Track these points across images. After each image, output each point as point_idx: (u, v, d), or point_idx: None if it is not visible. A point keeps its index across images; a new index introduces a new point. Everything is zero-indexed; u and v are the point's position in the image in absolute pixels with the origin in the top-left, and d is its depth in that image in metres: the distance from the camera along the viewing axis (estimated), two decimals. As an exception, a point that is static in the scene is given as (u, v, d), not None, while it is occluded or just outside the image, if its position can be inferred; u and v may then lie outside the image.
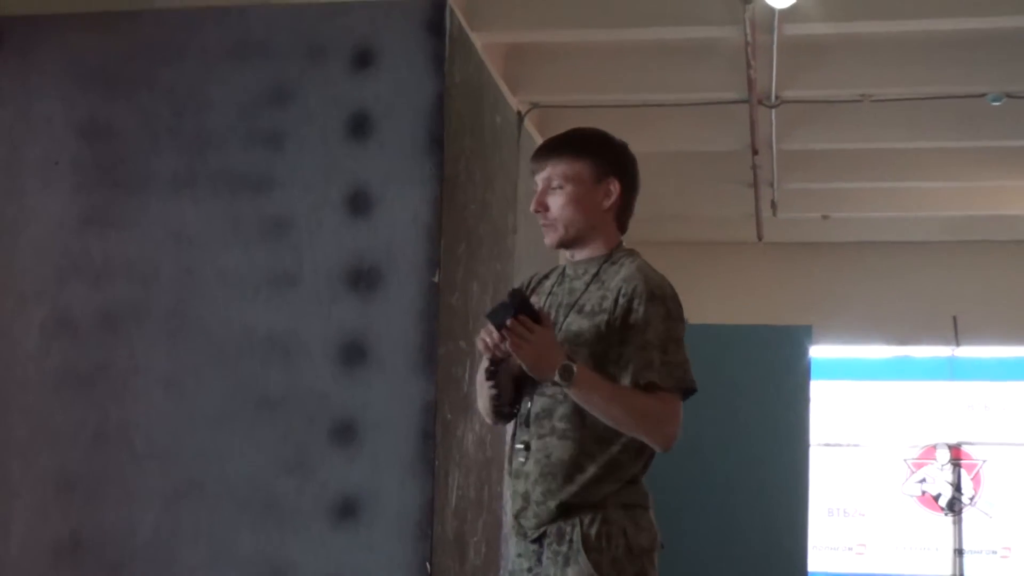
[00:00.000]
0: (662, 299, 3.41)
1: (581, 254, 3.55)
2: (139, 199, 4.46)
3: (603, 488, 3.36)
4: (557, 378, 3.28)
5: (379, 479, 4.21)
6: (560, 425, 3.40)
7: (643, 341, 3.35)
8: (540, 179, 3.53)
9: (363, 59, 4.36)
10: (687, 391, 3.42)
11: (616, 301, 3.39)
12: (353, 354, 4.25)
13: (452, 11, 4.40)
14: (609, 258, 3.52)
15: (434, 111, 4.29)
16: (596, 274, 3.50)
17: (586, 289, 3.49)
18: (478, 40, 7.61)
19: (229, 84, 4.45)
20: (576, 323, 3.44)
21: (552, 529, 3.38)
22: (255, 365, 4.32)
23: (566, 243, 3.54)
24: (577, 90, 10.40)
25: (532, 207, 3.53)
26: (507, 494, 3.56)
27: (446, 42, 4.32)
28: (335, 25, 4.43)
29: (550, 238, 3.54)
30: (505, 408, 3.57)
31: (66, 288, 4.47)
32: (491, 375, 3.48)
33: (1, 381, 4.48)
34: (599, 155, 3.54)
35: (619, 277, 3.44)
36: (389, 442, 4.21)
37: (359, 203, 4.31)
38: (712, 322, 10.76)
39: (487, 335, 3.39)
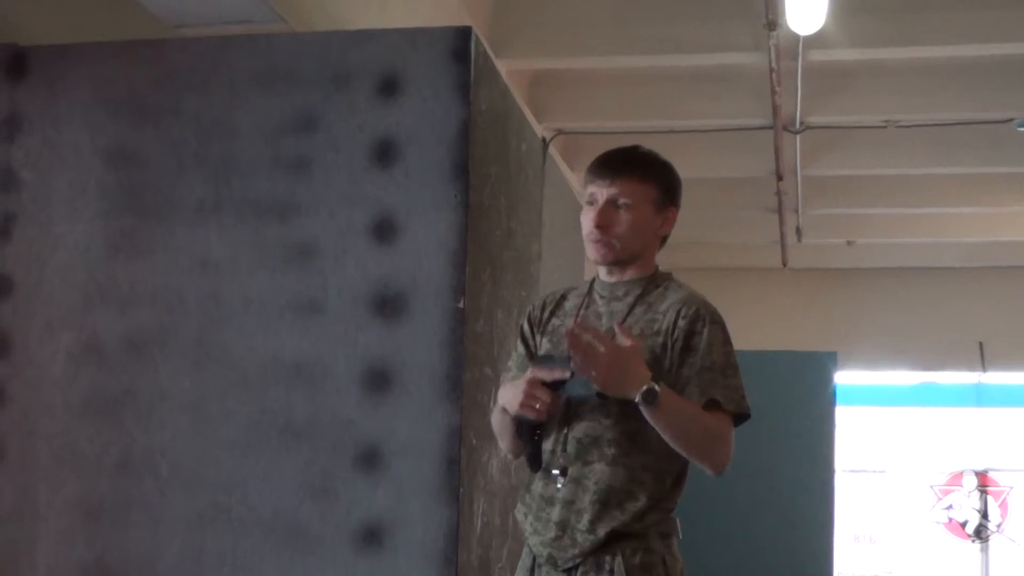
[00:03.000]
0: (721, 325, 3.39)
1: (621, 275, 3.48)
2: (165, 226, 4.48)
3: (649, 517, 3.30)
4: (638, 398, 3.17)
5: (404, 505, 4.20)
6: (609, 451, 3.30)
7: (709, 362, 3.31)
8: (603, 193, 3.43)
9: (389, 86, 4.38)
10: (743, 416, 3.36)
11: (675, 323, 3.33)
12: (378, 380, 4.25)
13: (477, 38, 4.41)
14: (652, 280, 3.47)
15: (459, 138, 4.30)
16: (640, 295, 3.43)
17: (630, 311, 3.40)
18: (503, 67, 7.64)
19: (255, 111, 4.47)
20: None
21: (589, 560, 3.28)
22: (280, 391, 4.33)
23: (615, 264, 3.45)
24: (601, 117, 10.43)
25: (593, 221, 3.42)
26: (528, 522, 3.44)
27: (471, 69, 4.33)
28: (361, 52, 4.44)
29: (601, 255, 3.44)
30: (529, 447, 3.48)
31: (92, 314, 4.49)
32: (531, 433, 3.39)
33: (28, 406, 4.50)
34: (665, 181, 3.53)
35: (672, 299, 3.40)
36: (414, 468, 4.20)
37: (384, 230, 4.32)
38: (737, 348, 10.75)
39: (539, 396, 3.30)
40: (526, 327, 3.60)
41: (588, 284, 3.56)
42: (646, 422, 3.24)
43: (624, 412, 3.27)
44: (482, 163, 4.44)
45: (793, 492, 9.12)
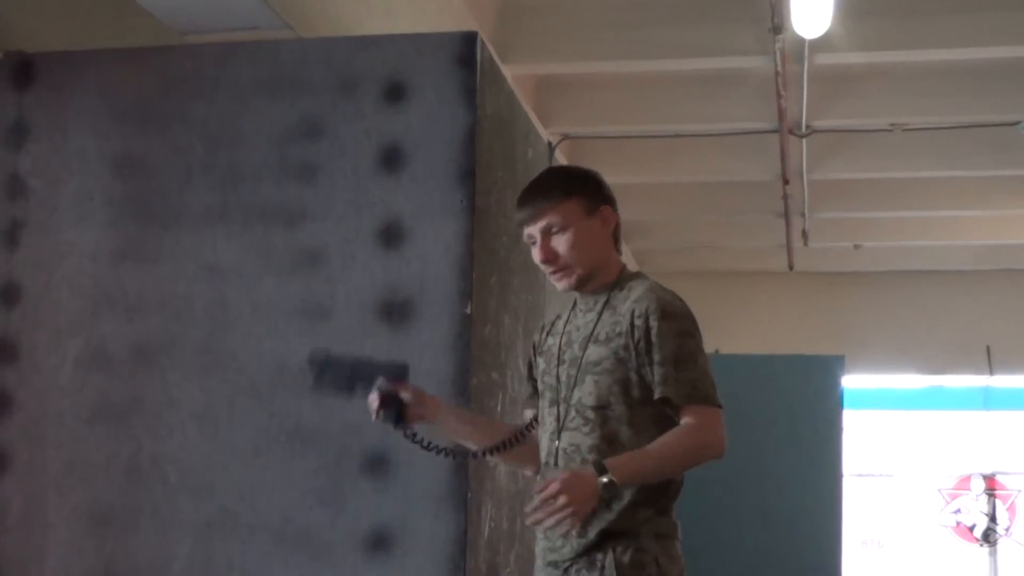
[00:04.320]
0: (674, 316, 3.38)
1: (591, 287, 3.52)
2: (172, 233, 4.49)
3: (639, 515, 3.32)
4: (605, 495, 3.21)
5: (412, 511, 4.21)
6: (591, 457, 3.34)
7: (660, 358, 3.33)
8: (536, 230, 3.47)
9: (395, 92, 4.38)
10: (713, 404, 3.37)
11: (632, 324, 3.37)
12: (386, 386, 4.25)
13: (483, 43, 4.42)
14: (616, 283, 3.51)
15: (466, 143, 4.31)
16: (607, 301, 3.48)
17: (599, 319, 3.47)
18: (509, 72, 7.64)
19: (262, 118, 4.48)
20: (595, 352, 3.42)
21: (583, 559, 3.34)
22: (288, 398, 4.33)
23: (583, 282, 3.50)
24: (607, 121, 10.43)
25: (539, 258, 3.48)
26: (538, 529, 3.49)
27: (477, 75, 4.34)
28: (367, 58, 4.45)
29: (567, 282, 3.50)
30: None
31: (100, 321, 4.49)
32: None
33: (36, 414, 4.51)
34: (584, 188, 3.52)
35: (630, 300, 3.43)
36: (422, 474, 4.20)
37: (391, 235, 4.33)
38: (744, 352, 10.76)
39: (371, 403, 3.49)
40: (531, 352, 3.71)
41: (573, 300, 3.61)
42: (621, 424, 3.36)
43: (600, 418, 3.38)
44: (488, 168, 4.44)
45: (801, 496, 9.12)
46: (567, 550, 3.37)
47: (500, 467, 4.56)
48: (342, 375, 3.48)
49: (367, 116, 4.40)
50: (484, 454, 3.63)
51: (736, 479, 8.58)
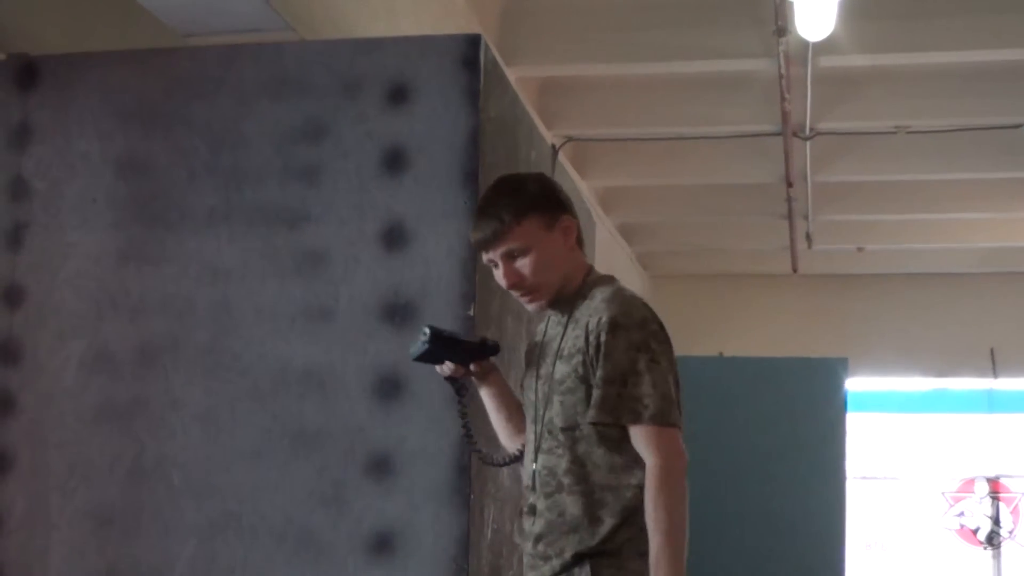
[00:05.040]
0: (625, 328, 3.22)
1: (559, 299, 3.41)
2: (175, 234, 4.49)
3: (621, 535, 3.19)
4: None
5: (414, 513, 4.21)
6: (566, 480, 3.25)
7: (603, 376, 3.20)
8: (497, 256, 3.35)
9: (398, 94, 4.38)
10: (661, 423, 3.19)
11: (587, 339, 3.24)
12: (388, 388, 4.26)
13: (487, 46, 4.42)
14: (580, 292, 3.37)
15: (469, 145, 4.31)
16: (571, 315, 3.35)
17: (564, 332, 3.35)
18: (512, 74, 7.65)
19: (265, 120, 4.48)
20: (560, 370, 3.30)
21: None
22: (291, 399, 4.33)
23: (554, 301, 3.38)
24: (611, 124, 10.44)
25: (506, 284, 3.36)
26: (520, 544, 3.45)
27: (480, 77, 4.34)
28: (370, 61, 4.45)
29: (537, 304, 3.39)
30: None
31: (103, 323, 4.49)
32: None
33: (39, 415, 4.51)
34: (537, 204, 3.36)
35: (588, 311, 3.30)
36: (424, 476, 4.20)
37: (394, 237, 4.33)
38: (747, 354, 10.76)
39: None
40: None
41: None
42: (592, 445, 3.23)
43: (569, 440, 3.26)
44: (492, 170, 4.43)
45: (804, 498, 9.12)
46: (545, 568, 3.27)
47: (503, 469, 4.55)
48: (444, 349, 3.46)
49: (370, 118, 4.40)
50: (496, 463, 3.62)
51: (739, 482, 8.60)
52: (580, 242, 3.45)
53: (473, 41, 4.39)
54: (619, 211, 13.06)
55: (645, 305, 3.33)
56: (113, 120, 4.60)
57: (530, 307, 3.42)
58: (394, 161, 4.35)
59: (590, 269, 3.47)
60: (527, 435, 3.45)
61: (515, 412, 3.58)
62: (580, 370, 3.25)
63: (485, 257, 3.40)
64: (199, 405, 4.40)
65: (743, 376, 9.09)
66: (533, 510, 3.32)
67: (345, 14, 6.32)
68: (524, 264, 3.34)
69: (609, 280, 3.42)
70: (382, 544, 4.22)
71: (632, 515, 3.19)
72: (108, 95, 4.63)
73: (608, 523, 3.20)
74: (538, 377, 3.39)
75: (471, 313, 4.23)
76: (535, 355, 3.46)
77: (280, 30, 5.68)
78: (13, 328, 4.56)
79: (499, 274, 3.38)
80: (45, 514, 4.45)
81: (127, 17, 5.73)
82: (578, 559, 3.21)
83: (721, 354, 12.61)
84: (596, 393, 3.20)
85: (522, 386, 3.54)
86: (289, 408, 4.33)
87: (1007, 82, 9.60)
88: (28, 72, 4.66)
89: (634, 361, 3.20)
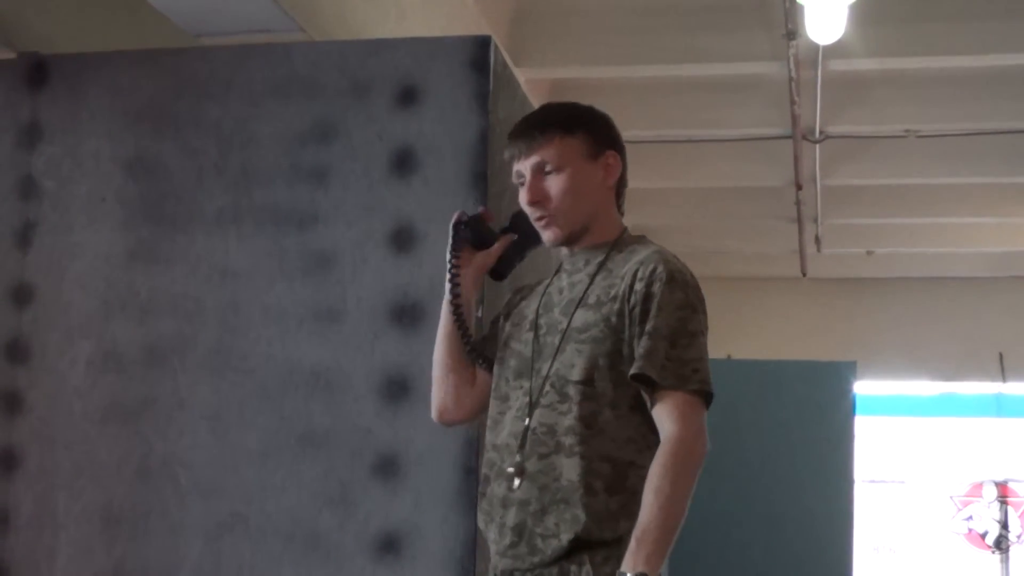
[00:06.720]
0: (683, 285, 2.91)
1: (581, 244, 3.09)
2: (185, 235, 4.49)
3: (620, 524, 2.83)
4: None
5: (422, 514, 4.20)
6: (566, 440, 2.89)
7: (652, 327, 2.85)
8: (527, 166, 3.05)
9: (408, 96, 4.38)
10: (700, 394, 2.86)
11: (632, 287, 2.90)
12: (396, 389, 4.26)
13: (496, 47, 4.41)
14: (616, 245, 3.07)
15: (478, 147, 4.30)
16: (603, 263, 3.03)
17: (591, 281, 3.00)
18: (522, 76, 7.65)
19: (274, 120, 4.48)
20: (582, 317, 2.95)
21: (552, 569, 2.88)
22: (299, 400, 4.33)
23: (573, 237, 3.07)
24: (620, 126, 10.38)
25: (527, 199, 3.05)
26: (489, 531, 3.06)
27: (490, 79, 4.33)
28: (380, 62, 4.45)
29: (553, 233, 3.07)
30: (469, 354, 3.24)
31: (112, 323, 4.50)
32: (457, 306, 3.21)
33: (47, 415, 4.51)
34: (591, 127, 3.09)
35: (633, 261, 2.97)
36: (432, 477, 4.20)
37: (403, 239, 4.33)
38: (756, 358, 10.75)
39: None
40: (502, 313, 3.31)
41: (559, 264, 3.18)
42: (603, 405, 2.90)
43: (580, 395, 2.92)
44: (501, 173, 4.43)
45: (812, 502, 9.10)
46: (533, 558, 2.91)
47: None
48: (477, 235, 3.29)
49: (379, 120, 4.40)
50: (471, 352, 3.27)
51: (747, 484, 8.58)
52: (621, 191, 3.18)
53: (483, 43, 4.38)
54: (628, 213, 12.94)
55: (691, 271, 3.02)
56: (123, 120, 4.60)
57: (546, 235, 3.09)
58: (403, 162, 4.35)
59: (626, 228, 3.17)
60: (500, 391, 3.11)
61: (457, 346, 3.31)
62: (614, 319, 2.91)
63: (514, 171, 3.11)
64: (207, 405, 4.40)
65: (751, 379, 9.07)
66: (521, 470, 2.94)
67: (355, 15, 6.33)
68: (553, 183, 3.04)
69: (647, 239, 3.14)
70: (389, 545, 4.22)
71: (630, 501, 2.83)
72: (118, 95, 4.63)
73: (602, 500, 2.86)
74: (536, 328, 3.06)
75: (479, 315, 4.23)
76: (533, 308, 3.12)
77: (290, 31, 5.69)
78: (22, 327, 4.57)
79: (523, 191, 3.08)
80: (52, 513, 4.46)
81: (137, 17, 5.74)
82: (578, 546, 2.85)
83: (729, 357, 12.59)
84: (644, 343, 2.85)
85: (503, 343, 3.19)
86: (297, 409, 4.33)
87: (1017, 86, 9.60)
88: (38, 71, 4.67)
89: (684, 321, 2.89)
